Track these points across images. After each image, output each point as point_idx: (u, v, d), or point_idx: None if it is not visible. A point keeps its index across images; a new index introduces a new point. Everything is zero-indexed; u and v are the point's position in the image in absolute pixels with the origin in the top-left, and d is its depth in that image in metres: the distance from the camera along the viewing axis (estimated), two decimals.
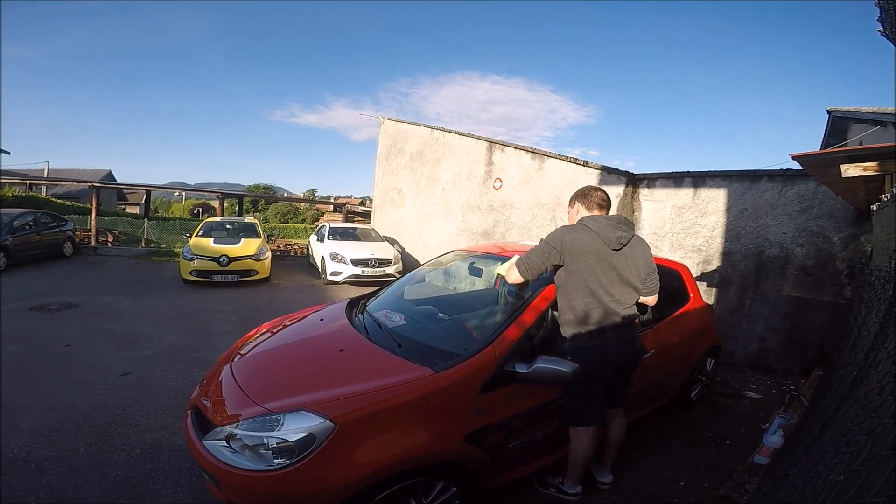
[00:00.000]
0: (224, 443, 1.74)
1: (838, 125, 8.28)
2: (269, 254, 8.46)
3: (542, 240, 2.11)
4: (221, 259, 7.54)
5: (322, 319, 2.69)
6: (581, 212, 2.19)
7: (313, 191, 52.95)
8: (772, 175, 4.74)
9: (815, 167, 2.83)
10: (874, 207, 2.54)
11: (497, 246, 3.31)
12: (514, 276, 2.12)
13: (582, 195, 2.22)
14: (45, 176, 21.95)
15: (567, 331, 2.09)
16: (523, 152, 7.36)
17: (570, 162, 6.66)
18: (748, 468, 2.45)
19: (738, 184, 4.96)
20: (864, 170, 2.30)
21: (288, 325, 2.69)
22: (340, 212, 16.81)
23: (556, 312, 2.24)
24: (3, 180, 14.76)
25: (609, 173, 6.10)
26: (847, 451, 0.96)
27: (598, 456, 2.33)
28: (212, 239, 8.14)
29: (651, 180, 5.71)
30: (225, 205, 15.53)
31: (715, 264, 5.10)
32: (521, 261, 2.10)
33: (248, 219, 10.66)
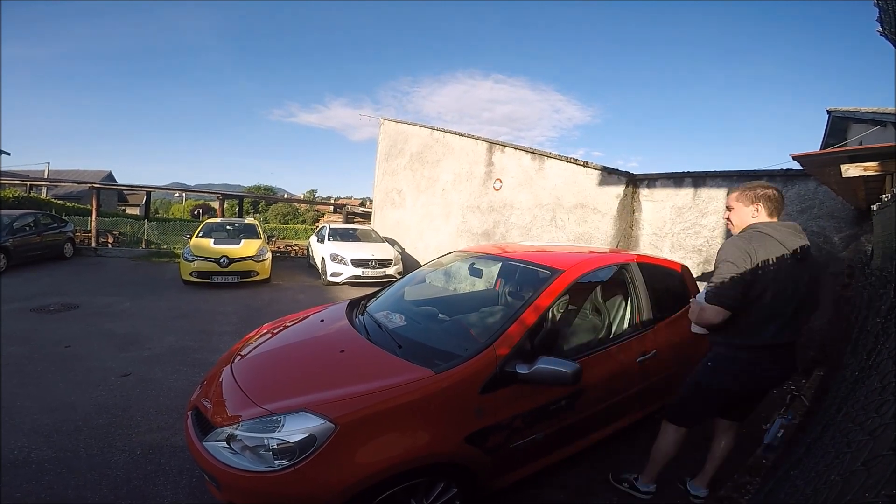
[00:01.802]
0: (224, 444, 1.74)
1: (838, 125, 8.28)
2: (269, 255, 8.48)
3: (721, 261, 1.82)
4: (222, 260, 7.55)
5: (322, 320, 2.68)
6: (761, 215, 1.91)
7: (313, 191, 52.99)
8: (772, 175, 4.75)
9: (816, 167, 2.83)
10: (875, 207, 2.54)
11: (497, 247, 3.31)
12: (714, 315, 1.81)
13: (767, 198, 1.89)
14: (46, 177, 21.96)
15: (721, 335, 1.91)
16: (523, 153, 7.36)
17: (569, 162, 6.66)
18: (749, 468, 2.45)
19: (738, 184, 4.94)
20: (865, 170, 2.30)
21: (288, 326, 2.69)
22: (340, 213, 16.84)
23: (557, 311, 2.22)
24: (3, 181, 14.77)
25: (609, 174, 6.10)
26: (848, 452, 0.96)
27: (699, 467, 2.28)
28: (212, 240, 8.17)
29: (651, 181, 5.71)
30: (225, 206, 15.56)
31: None
32: (715, 296, 1.79)
33: (249, 220, 10.69)
